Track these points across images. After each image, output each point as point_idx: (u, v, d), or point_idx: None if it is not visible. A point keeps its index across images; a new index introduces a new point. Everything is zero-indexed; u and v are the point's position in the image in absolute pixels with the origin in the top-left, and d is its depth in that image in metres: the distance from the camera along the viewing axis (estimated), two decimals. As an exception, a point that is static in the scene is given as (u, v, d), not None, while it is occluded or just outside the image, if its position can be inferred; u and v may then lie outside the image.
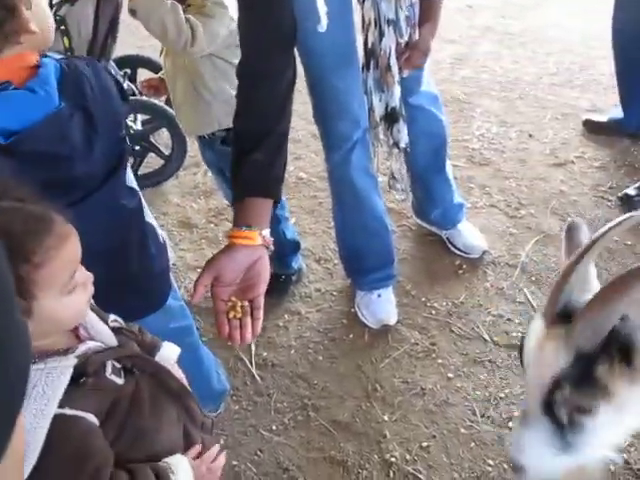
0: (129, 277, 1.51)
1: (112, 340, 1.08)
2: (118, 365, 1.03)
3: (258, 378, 2.22)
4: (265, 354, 2.30)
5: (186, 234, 2.87)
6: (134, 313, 1.61)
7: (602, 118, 3.24)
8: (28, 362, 0.60)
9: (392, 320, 2.33)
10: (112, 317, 1.15)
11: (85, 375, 0.95)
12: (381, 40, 1.87)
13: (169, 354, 1.25)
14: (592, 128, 3.20)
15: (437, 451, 1.96)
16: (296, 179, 3.12)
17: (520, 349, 1.03)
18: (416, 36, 1.92)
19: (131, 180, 1.48)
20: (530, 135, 3.33)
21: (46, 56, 1.29)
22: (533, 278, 2.49)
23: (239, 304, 1.21)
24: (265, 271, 1.26)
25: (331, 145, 2.15)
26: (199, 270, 2.64)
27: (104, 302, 1.51)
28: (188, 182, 3.25)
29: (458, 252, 2.60)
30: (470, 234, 2.61)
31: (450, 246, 2.62)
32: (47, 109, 1.21)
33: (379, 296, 2.35)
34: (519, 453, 1.01)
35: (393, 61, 1.93)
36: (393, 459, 1.94)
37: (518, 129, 3.38)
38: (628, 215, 0.97)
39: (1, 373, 0.50)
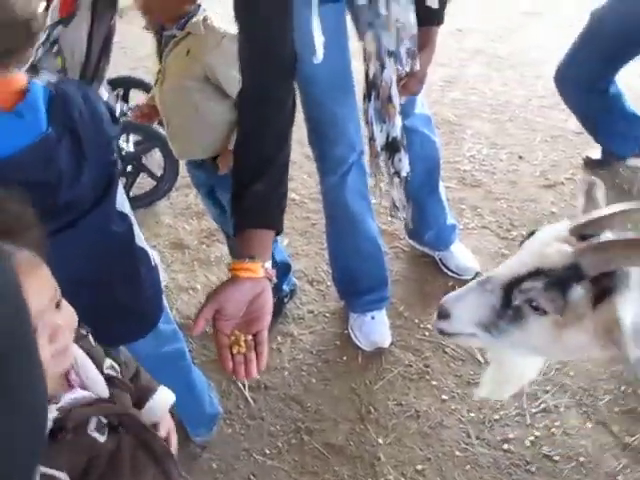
0: (118, 303, 1.48)
1: (104, 391, 1.01)
2: (104, 420, 0.97)
3: (251, 401, 2.20)
4: (258, 377, 2.28)
5: (178, 255, 2.86)
6: (124, 337, 1.59)
7: (598, 154, 3.25)
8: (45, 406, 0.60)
9: (386, 342, 2.32)
10: (108, 363, 1.09)
11: (64, 429, 0.89)
12: (382, 71, 1.88)
13: (163, 401, 1.21)
14: (593, 166, 3.22)
15: (432, 474, 1.94)
16: (289, 200, 3.09)
17: (527, 236, 1.08)
18: (417, 66, 1.93)
19: (122, 204, 1.46)
20: (520, 157, 3.36)
21: (36, 76, 1.29)
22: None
23: (242, 338, 1.17)
24: (268, 304, 1.23)
25: (327, 169, 2.16)
26: (191, 292, 2.67)
27: (92, 327, 1.50)
28: (180, 203, 3.24)
29: (451, 273, 2.60)
30: (463, 255, 2.62)
31: (443, 267, 2.63)
32: (34, 134, 1.19)
33: (372, 318, 2.35)
34: (454, 302, 1.07)
35: (394, 92, 1.93)
36: (388, 483, 1.92)
37: (508, 151, 3.40)
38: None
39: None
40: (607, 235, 0.98)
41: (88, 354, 1.04)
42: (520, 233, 2.82)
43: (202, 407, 2.01)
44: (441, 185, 2.55)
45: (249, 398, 2.21)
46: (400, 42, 1.84)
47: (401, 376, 2.23)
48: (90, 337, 1.10)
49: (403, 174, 2.10)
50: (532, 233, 1.07)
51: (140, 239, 1.56)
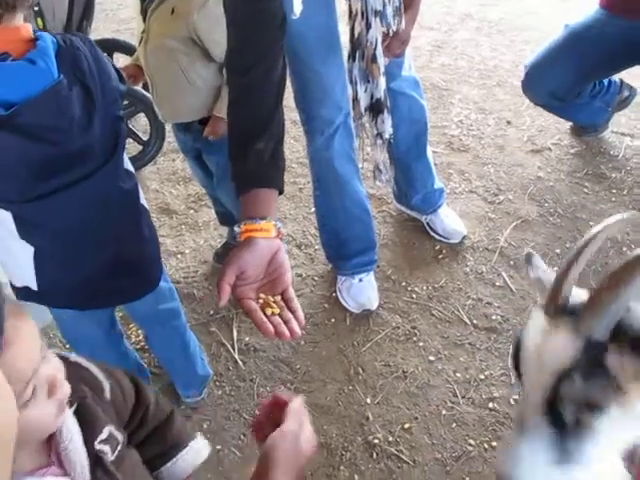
0: (124, 260, 1.51)
1: (85, 475, 0.84)
2: None
3: (241, 363, 2.22)
4: (247, 339, 2.30)
5: (166, 220, 2.85)
6: (129, 294, 1.63)
7: None
8: None
9: (373, 305, 2.34)
10: (104, 434, 0.90)
11: None
12: (368, 31, 1.86)
13: (192, 459, 1.12)
14: (579, 132, 3.23)
15: (419, 432, 1.98)
16: (276, 165, 3.10)
17: (515, 350, 0.94)
18: (402, 25, 1.91)
19: (127, 162, 1.48)
20: (508, 122, 3.36)
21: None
22: (511, 262, 2.52)
23: (271, 299, 1.14)
24: (286, 261, 1.20)
25: (313, 130, 2.14)
26: (179, 256, 2.67)
27: (100, 285, 1.52)
28: (167, 168, 3.22)
29: (438, 237, 2.62)
30: (450, 220, 2.64)
31: (430, 231, 2.64)
32: (47, 81, 1.19)
33: (360, 281, 2.36)
34: (512, 465, 0.89)
35: (379, 52, 1.92)
36: (376, 441, 1.96)
37: (496, 116, 3.40)
38: (620, 216, 0.94)
39: None
40: (575, 295, 0.89)
41: (88, 417, 0.90)
42: (507, 197, 2.84)
43: (194, 368, 2.03)
44: (429, 149, 2.55)
45: (238, 360, 2.23)
46: (386, 1, 1.82)
47: (388, 338, 2.26)
48: (107, 392, 0.96)
49: (386, 136, 2.09)
50: (517, 349, 0.93)
51: (142, 198, 1.57)
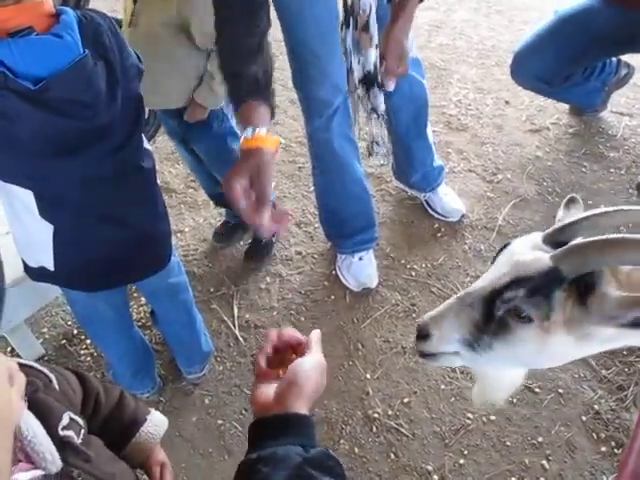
0: (141, 236, 1.53)
1: (55, 462, 0.83)
2: None
3: (241, 339, 2.24)
4: (248, 316, 2.32)
5: (165, 199, 2.82)
6: (144, 271, 1.65)
7: None
8: None
9: (373, 283, 2.36)
10: (65, 421, 0.88)
11: None
12: None
13: (153, 432, 1.13)
14: (578, 111, 3.24)
15: (418, 406, 2.01)
16: (275, 144, 3.10)
17: (502, 247, 1.06)
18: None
19: (146, 141, 1.48)
20: (506, 102, 3.36)
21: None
22: (509, 241, 2.53)
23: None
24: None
25: (312, 111, 2.13)
26: (179, 235, 2.67)
27: (117, 264, 1.53)
28: (165, 148, 3.21)
29: (437, 215, 2.64)
30: (449, 198, 2.65)
31: (429, 209, 2.65)
32: (73, 55, 1.19)
33: (360, 259, 2.38)
34: (433, 321, 1.03)
35: (372, 21, 1.88)
36: (376, 415, 1.99)
37: (495, 96, 3.40)
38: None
39: None
40: (580, 239, 0.96)
41: (43, 408, 0.86)
42: (505, 177, 2.85)
43: (199, 344, 2.05)
44: (429, 127, 2.55)
45: (239, 337, 2.25)
46: None
47: (388, 314, 2.28)
48: (55, 383, 0.93)
49: (380, 111, 2.09)
50: (504, 246, 1.05)
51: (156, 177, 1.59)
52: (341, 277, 2.41)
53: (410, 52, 2.28)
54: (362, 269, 2.37)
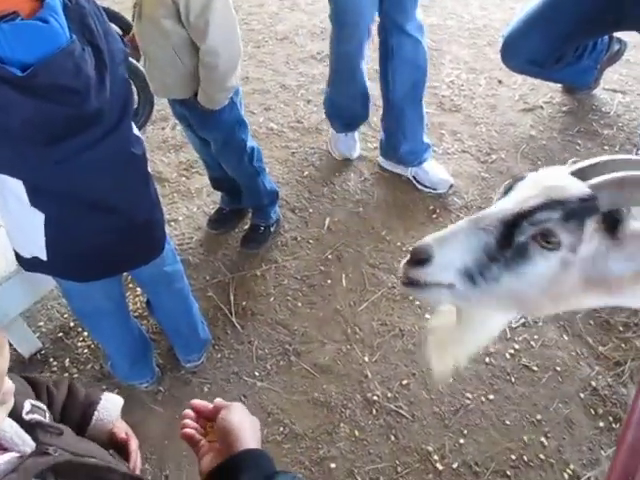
0: (138, 224, 1.52)
1: (27, 443, 0.85)
2: None
3: (239, 327, 2.24)
4: (244, 303, 2.31)
5: (158, 188, 2.81)
6: (139, 259, 1.64)
7: None
8: None
9: (354, 155, 2.85)
10: (27, 407, 0.91)
11: None
12: None
13: (111, 408, 1.15)
14: (571, 90, 3.22)
15: (417, 388, 2.01)
16: (267, 130, 3.08)
17: (515, 180, 0.97)
18: None
19: (135, 128, 1.46)
20: (499, 81, 3.34)
21: None
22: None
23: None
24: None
25: (341, 38, 2.44)
26: (173, 224, 2.66)
27: (112, 252, 1.52)
28: (157, 136, 3.19)
29: (426, 189, 2.66)
30: (436, 170, 2.68)
31: (418, 185, 2.68)
32: (61, 41, 1.16)
33: (346, 135, 2.82)
34: (437, 243, 0.89)
35: None
36: (375, 397, 1.99)
37: (487, 75, 3.38)
38: None
39: None
40: (622, 172, 0.89)
41: None
42: (500, 157, 2.84)
43: (196, 332, 2.05)
44: (423, 100, 2.58)
45: (236, 324, 2.24)
46: None
47: (385, 297, 2.27)
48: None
49: None
50: (516, 180, 0.96)
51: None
52: (330, 150, 2.89)
53: (418, 14, 2.41)
54: (345, 143, 2.83)
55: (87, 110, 1.27)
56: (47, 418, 0.94)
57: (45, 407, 0.96)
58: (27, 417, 0.89)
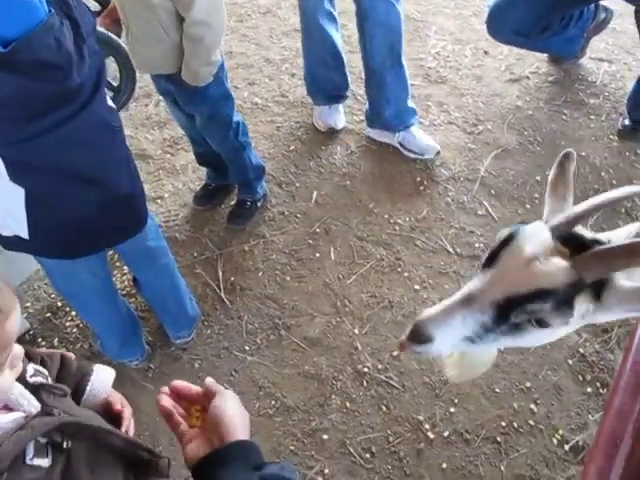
0: (120, 196, 1.49)
1: (32, 404, 0.87)
2: (43, 440, 0.84)
3: (228, 302, 2.23)
4: (233, 279, 2.30)
5: (142, 166, 2.79)
6: (122, 234, 1.63)
7: None
8: None
9: (338, 126, 2.84)
10: (30, 370, 0.93)
11: None
12: None
13: (103, 379, 1.14)
14: (558, 60, 3.20)
15: (407, 359, 2.02)
16: (251, 104, 3.05)
17: (502, 243, 0.97)
18: None
19: (109, 99, 1.43)
20: (485, 52, 3.31)
21: None
22: (492, 191, 2.53)
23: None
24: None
25: None
26: (159, 201, 2.64)
27: (94, 227, 1.50)
28: (140, 114, 3.14)
29: (413, 155, 2.66)
30: (423, 136, 2.68)
31: (404, 151, 2.68)
32: (40, 15, 1.13)
33: (330, 107, 2.84)
34: (435, 325, 0.94)
35: None
36: (366, 369, 2.00)
37: (473, 46, 3.35)
38: (628, 188, 0.99)
39: None
40: (600, 246, 0.94)
41: None
42: (486, 127, 2.83)
43: (184, 308, 2.04)
44: (403, 60, 2.57)
45: (225, 300, 2.24)
46: None
47: (373, 270, 2.27)
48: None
49: None
50: (507, 239, 0.97)
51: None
52: (315, 124, 2.88)
53: None
54: (330, 114, 2.84)
55: (70, 86, 1.24)
56: (49, 381, 0.95)
57: (46, 372, 0.97)
58: (31, 380, 0.90)
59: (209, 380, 0.95)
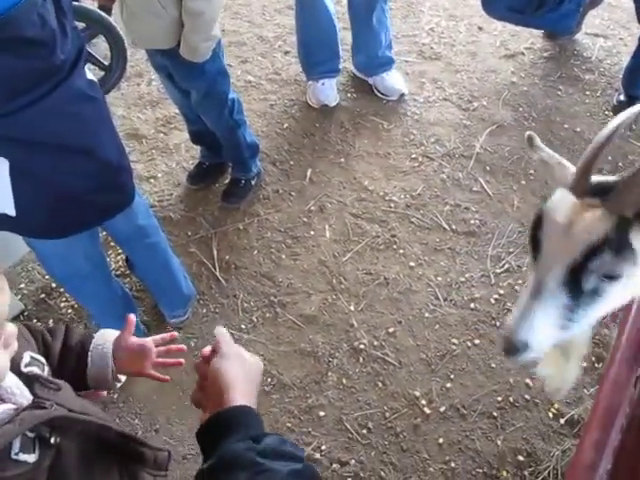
0: (108, 167, 1.48)
1: (24, 395, 0.83)
2: (31, 434, 0.80)
3: (223, 281, 2.22)
4: (227, 257, 2.29)
5: (135, 145, 2.77)
6: (113, 209, 1.60)
7: None
8: None
9: (332, 103, 2.83)
10: (26, 359, 0.90)
11: None
12: None
13: (107, 336, 1.06)
14: (552, 36, 3.17)
15: (403, 335, 2.02)
16: (245, 82, 3.01)
17: (536, 224, 0.99)
18: None
19: (89, 73, 1.41)
20: (480, 28, 3.28)
21: None
22: (487, 168, 2.52)
23: None
24: None
25: None
26: (152, 180, 2.61)
27: (82, 202, 1.48)
28: (132, 93, 3.10)
29: (380, 95, 2.87)
30: (393, 80, 2.86)
31: (375, 91, 2.89)
32: None
33: (323, 84, 2.83)
34: (524, 331, 0.95)
35: None
36: (362, 346, 2.00)
37: (467, 22, 3.32)
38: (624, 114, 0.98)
39: None
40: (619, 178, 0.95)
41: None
42: (481, 104, 2.81)
43: (179, 287, 2.03)
44: (383, 14, 2.73)
45: (220, 278, 2.23)
46: None
47: (369, 247, 2.26)
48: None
49: None
50: (535, 228, 0.99)
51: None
52: (308, 100, 2.87)
53: None
54: (323, 91, 2.83)
55: (54, 62, 1.23)
56: (46, 372, 0.91)
57: (44, 360, 0.93)
58: (25, 370, 0.86)
59: (219, 331, 0.88)
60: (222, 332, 0.88)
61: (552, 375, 1.28)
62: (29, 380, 0.85)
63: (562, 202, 0.96)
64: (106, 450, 0.92)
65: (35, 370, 0.88)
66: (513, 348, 0.97)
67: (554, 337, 0.98)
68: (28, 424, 0.78)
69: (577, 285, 0.93)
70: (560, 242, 0.94)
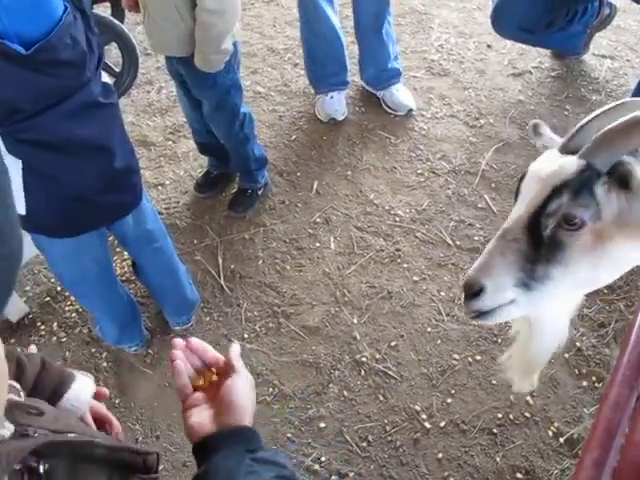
0: (117, 171, 1.52)
1: (5, 426, 0.77)
2: (17, 467, 0.75)
3: (227, 290, 2.24)
4: (232, 266, 2.31)
5: (144, 152, 2.80)
6: (123, 209, 1.65)
7: None
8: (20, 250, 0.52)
9: (339, 117, 2.85)
10: None
11: None
12: None
13: (83, 389, 1.05)
14: (560, 55, 3.21)
15: (405, 349, 2.03)
16: (254, 93, 3.04)
17: (520, 179, 0.99)
18: None
19: (104, 76, 1.46)
20: (488, 46, 3.31)
21: None
22: (493, 185, 2.54)
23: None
24: None
25: None
26: (160, 188, 2.64)
27: (91, 202, 1.51)
28: (142, 100, 3.13)
29: (389, 110, 2.88)
30: (401, 95, 2.87)
31: (383, 105, 2.91)
32: (59, 14, 1.16)
33: (332, 97, 2.85)
34: (481, 272, 0.94)
35: None
36: (364, 359, 2.01)
37: (476, 40, 3.35)
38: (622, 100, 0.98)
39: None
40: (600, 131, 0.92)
41: None
42: (488, 121, 2.83)
43: (184, 293, 2.04)
44: (389, 28, 2.78)
45: (225, 287, 2.24)
46: None
47: (373, 260, 2.28)
48: None
49: None
50: (522, 178, 0.98)
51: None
52: (316, 113, 2.89)
53: None
54: (331, 105, 2.85)
55: (82, 80, 1.29)
56: (22, 396, 0.88)
57: (19, 386, 0.90)
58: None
59: (235, 351, 0.93)
60: (237, 349, 0.93)
61: (516, 355, 1.25)
62: (8, 407, 0.77)
63: (547, 157, 0.97)
64: (95, 466, 0.88)
65: (12, 396, 0.84)
66: (469, 289, 0.95)
67: (511, 292, 0.95)
68: (14, 459, 0.72)
69: (536, 231, 0.92)
70: (531, 189, 0.94)
